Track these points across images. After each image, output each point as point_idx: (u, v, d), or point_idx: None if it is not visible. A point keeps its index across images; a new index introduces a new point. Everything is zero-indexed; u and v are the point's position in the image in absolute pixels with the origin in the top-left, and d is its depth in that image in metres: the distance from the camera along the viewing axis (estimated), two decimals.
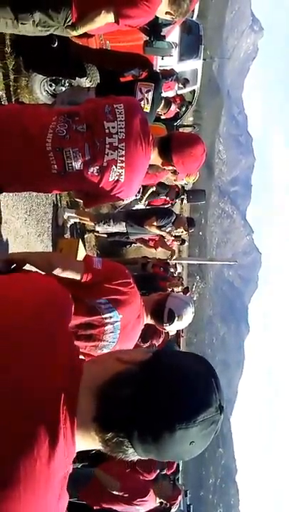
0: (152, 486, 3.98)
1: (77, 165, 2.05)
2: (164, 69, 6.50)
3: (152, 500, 3.88)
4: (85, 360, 1.03)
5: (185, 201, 6.98)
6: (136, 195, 5.84)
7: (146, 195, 6.37)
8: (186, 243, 10.03)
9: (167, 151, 2.25)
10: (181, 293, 7.28)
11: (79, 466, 4.25)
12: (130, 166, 2.11)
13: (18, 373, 0.86)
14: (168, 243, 6.95)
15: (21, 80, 4.23)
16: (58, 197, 5.58)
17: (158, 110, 4.61)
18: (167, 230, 5.99)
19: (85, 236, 6.91)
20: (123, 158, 2.09)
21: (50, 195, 5.15)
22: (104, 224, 5.91)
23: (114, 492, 3.69)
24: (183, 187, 7.34)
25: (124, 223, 5.87)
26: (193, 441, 0.87)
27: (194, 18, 8.91)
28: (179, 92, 8.23)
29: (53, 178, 2.08)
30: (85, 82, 4.21)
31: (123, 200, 2.33)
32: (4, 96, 4.04)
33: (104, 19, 2.97)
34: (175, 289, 6.55)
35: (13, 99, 4.13)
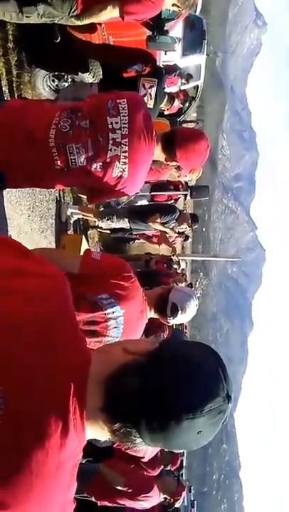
0: (156, 482, 3.99)
1: (81, 161, 2.05)
2: (167, 64, 6.46)
3: (156, 496, 3.89)
4: (91, 350, 1.03)
5: (188, 197, 6.95)
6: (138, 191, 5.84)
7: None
8: (190, 239, 10.01)
9: (171, 146, 2.24)
10: None
11: (83, 462, 4.27)
12: (133, 161, 2.10)
13: (29, 362, 0.87)
14: (171, 239, 6.94)
15: (24, 75, 4.22)
16: (61, 193, 5.58)
17: (161, 106, 4.59)
18: (171, 227, 5.99)
19: (88, 232, 6.91)
20: (126, 154, 2.08)
21: (53, 191, 5.15)
22: (107, 220, 5.90)
23: (119, 487, 3.70)
24: (186, 183, 7.31)
25: (127, 219, 5.87)
26: (200, 430, 0.88)
27: (197, 13, 8.86)
28: (182, 87, 8.19)
29: (56, 173, 2.08)
30: (88, 78, 4.20)
31: (127, 195, 2.31)
32: (7, 91, 4.03)
33: (110, 14, 2.99)
34: (179, 285, 6.53)
35: (16, 95, 4.12)
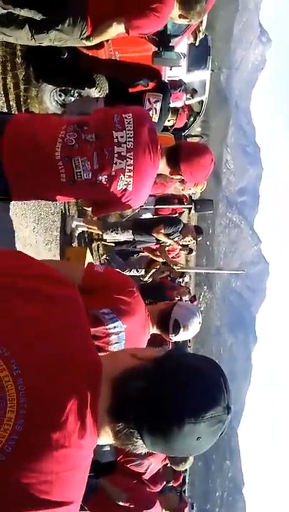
0: (159, 498, 3.94)
1: (86, 174, 2.07)
2: (172, 79, 6.54)
3: None
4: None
5: (193, 211, 6.97)
6: (142, 205, 5.87)
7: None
8: (194, 252, 10.01)
9: (175, 160, 2.26)
10: (189, 301, 7.25)
11: None
12: (138, 175, 2.12)
13: (48, 363, 0.90)
14: (175, 252, 6.94)
15: (31, 90, 4.28)
16: (67, 206, 5.61)
17: (168, 120, 4.64)
18: (175, 239, 5.99)
19: (93, 245, 6.93)
20: (131, 168, 2.10)
21: (58, 204, 5.18)
22: (112, 232, 5.92)
23: (121, 503, 3.66)
24: (190, 196, 7.34)
25: (131, 231, 5.88)
26: (200, 436, 0.90)
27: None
28: (187, 102, 8.26)
29: (62, 186, 2.09)
30: (94, 93, 4.25)
31: (132, 208, 2.33)
32: (14, 106, 4.09)
33: (116, 30, 3.04)
34: (183, 298, 6.53)
35: (23, 109, 4.18)
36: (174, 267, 6.72)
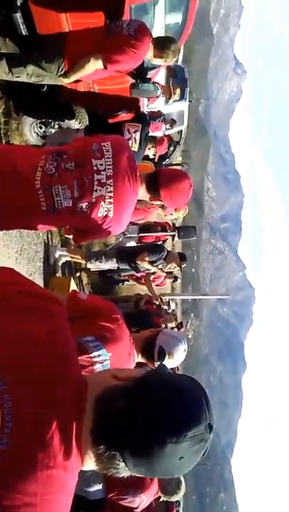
0: None
1: (66, 202, 2.08)
2: (151, 110, 6.70)
3: None
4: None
5: (176, 238, 7.02)
6: (125, 233, 5.88)
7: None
8: (179, 280, 10.01)
9: (155, 186, 2.29)
10: (175, 328, 7.20)
11: None
12: (118, 201, 2.13)
13: (39, 381, 0.88)
14: (160, 280, 6.94)
15: (12, 122, 4.32)
16: (49, 236, 5.59)
17: (148, 146, 4.72)
18: (159, 266, 6.00)
19: (77, 275, 6.89)
20: (111, 194, 2.11)
21: (41, 234, 5.17)
22: (96, 261, 5.91)
23: None
24: (174, 224, 7.40)
25: (115, 259, 5.88)
26: (182, 456, 0.89)
27: (179, 63, 9.27)
28: (167, 132, 8.45)
29: (43, 215, 2.09)
30: (74, 124, 4.31)
31: (113, 234, 2.33)
32: None
33: (94, 66, 3.11)
34: (169, 325, 6.48)
35: (4, 142, 4.20)
36: (156, 301, 6.69)
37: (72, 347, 1.04)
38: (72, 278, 5.69)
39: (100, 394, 0.94)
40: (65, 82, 3.30)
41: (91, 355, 1.87)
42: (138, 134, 4.04)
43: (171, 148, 9.01)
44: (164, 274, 6.61)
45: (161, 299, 7.69)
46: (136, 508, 3.76)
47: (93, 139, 2.24)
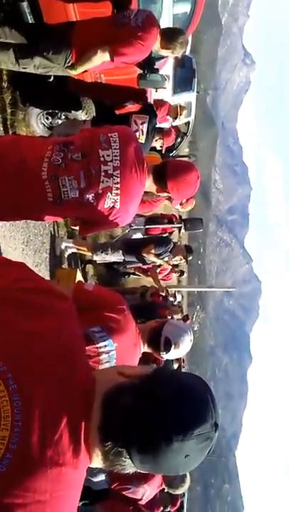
0: None
1: (73, 193, 2.07)
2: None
3: None
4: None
5: (183, 230, 7.00)
6: (131, 225, 5.87)
7: None
8: (185, 274, 9.99)
9: (162, 177, 2.27)
10: (181, 321, 7.21)
11: (79, 505, 4.11)
12: (125, 192, 2.12)
13: (45, 380, 0.88)
14: (166, 272, 6.93)
15: (18, 113, 4.31)
16: (56, 227, 5.60)
17: (155, 138, 4.69)
18: (165, 259, 5.99)
19: (83, 266, 6.90)
20: (118, 186, 2.10)
21: (47, 225, 5.17)
22: (102, 253, 5.91)
23: None
24: (180, 216, 7.38)
25: (121, 251, 5.87)
26: (188, 454, 0.90)
27: (187, 53, 9.19)
28: (174, 123, 8.40)
29: (49, 206, 2.09)
30: (81, 115, 4.29)
31: (119, 226, 2.32)
32: (1, 129, 4.11)
33: (101, 58, 3.08)
34: (175, 317, 6.49)
35: (10, 132, 4.20)
36: (162, 293, 6.69)
37: (80, 345, 1.05)
38: (78, 269, 5.69)
39: (107, 391, 0.94)
40: (72, 73, 3.28)
41: (97, 345, 1.89)
42: (145, 126, 4.01)
43: (179, 140, 8.96)
44: (170, 266, 6.60)
45: (167, 290, 7.69)
46: (139, 500, 3.79)
47: (100, 130, 2.23)
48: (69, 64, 3.22)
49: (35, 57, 3.19)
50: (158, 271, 6.63)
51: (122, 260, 6.07)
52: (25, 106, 4.32)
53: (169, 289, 7.81)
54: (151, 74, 3.86)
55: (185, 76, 8.41)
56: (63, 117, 4.49)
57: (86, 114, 4.29)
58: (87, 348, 1.88)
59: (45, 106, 4.38)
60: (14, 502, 0.79)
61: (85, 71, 3.42)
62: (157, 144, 6.52)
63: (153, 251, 5.78)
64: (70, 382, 0.92)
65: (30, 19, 3.41)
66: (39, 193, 2.05)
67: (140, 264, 6.36)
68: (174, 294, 8.10)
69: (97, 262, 6.43)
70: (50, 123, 4.55)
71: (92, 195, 2.08)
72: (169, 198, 2.39)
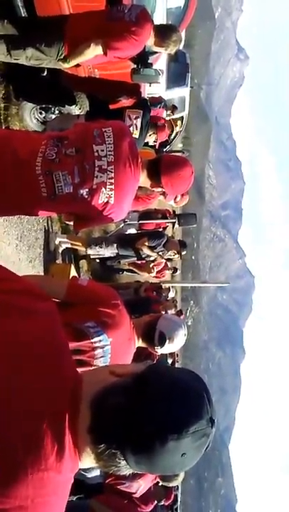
0: None
1: (67, 188, 2.06)
2: (152, 96, 6.63)
3: None
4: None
5: (176, 225, 7.00)
6: (125, 220, 5.87)
7: None
8: (178, 271, 10.01)
9: (156, 173, 2.27)
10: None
11: (74, 499, 4.12)
12: (119, 188, 2.12)
13: (25, 382, 0.86)
14: (160, 267, 6.94)
15: (11, 108, 4.28)
16: (50, 222, 5.58)
17: (149, 133, 4.68)
18: (159, 253, 6.00)
19: (77, 262, 6.89)
20: (112, 181, 2.10)
21: (41, 220, 5.16)
22: (96, 246, 5.90)
23: None
24: (174, 211, 7.39)
25: (115, 245, 5.88)
26: (184, 452, 0.87)
27: (181, 48, 9.18)
28: (168, 118, 8.38)
29: (43, 201, 2.08)
30: (75, 110, 4.27)
31: (113, 221, 2.32)
32: None
33: (94, 51, 3.07)
34: (168, 312, 6.51)
35: (4, 127, 4.17)
36: (154, 280, 6.69)
37: (63, 345, 1.01)
38: (72, 265, 5.69)
39: (98, 392, 0.91)
40: (65, 66, 3.26)
41: (92, 340, 1.89)
42: (139, 120, 4.00)
43: (172, 135, 8.96)
44: (164, 260, 6.61)
45: (160, 286, 7.71)
46: (134, 493, 3.82)
47: (94, 125, 2.22)
48: (61, 57, 3.20)
49: (28, 48, 3.17)
50: (151, 265, 6.64)
51: (115, 254, 6.07)
52: (19, 100, 4.30)
53: (163, 285, 7.83)
54: (145, 68, 3.85)
55: (179, 71, 8.40)
56: (57, 112, 4.47)
57: (80, 108, 4.27)
58: (81, 343, 1.89)
59: (38, 100, 4.35)
60: None
61: (78, 65, 3.41)
62: (151, 138, 6.52)
63: (147, 243, 5.80)
64: (52, 384, 0.89)
65: (23, 12, 3.39)
66: (33, 188, 2.05)
67: (135, 259, 6.37)
68: (168, 289, 8.11)
69: (91, 256, 6.42)
70: (44, 118, 4.52)
71: (87, 190, 2.08)
72: (163, 193, 2.40)
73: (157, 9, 4.96)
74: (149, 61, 3.89)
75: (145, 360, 4.34)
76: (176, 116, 8.93)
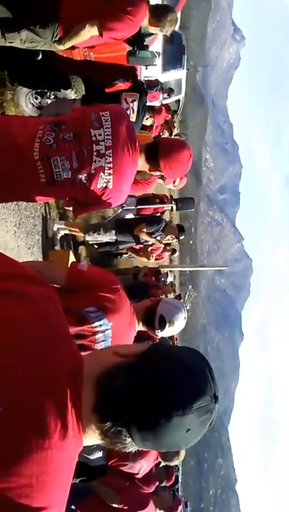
0: (152, 498, 3.93)
1: (65, 173, 2.05)
2: (148, 79, 6.56)
3: None
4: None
5: (174, 210, 6.99)
6: (123, 205, 5.85)
7: None
8: (177, 253, 10.01)
9: (154, 156, 2.26)
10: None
11: (77, 481, 4.19)
12: (118, 172, 2.11)
13: (27, 363, 0.87)
14: (158, 251, 6.94)
15: (6, 93, 4.23)
16: (47, 209, 5.57)
17: (146, 117, 4.64)
18: (157, 238, 6.00)
19: (76, 248, 6.89)
20: (111, 165, 2.09)
21: (39, 207, 5.14)
22: (94, 233, 5.90)
23: (114, 505, 3.63)
24: (171, 196, 7.36)
25: (114, 231, 5.87)
26: (189, 428, 0.89)
27: (176, 29, 9.04)
28: (164, 101, 8.31)
29: (42, 187, 2.08)
30: (71, 94, 4.22)
31: (112, 206, 2.32)
32: None
33: (89, 32, 3.02)
34: (168, 296, 6.53)
35: None
36: (153, 265, 6.66)
37: (63, 328, 1.02)
38: (70, 251, 5.69)
39: (102, 372, 0.93)
40: (60, 48, 3.21)
41: (93, 325, 1.91)
42: (136, 104, 3.96)
43: (169, 119, 8.88)
44: (163, 245, 6.61)
45: (159, 270, 7.72)
46: (136, 474, 3.88)
47: (92, 109, 2.20)
48: (56, 38, 3.15)
49: (22, 30, 3.11)
50: (149, 250, 6.64)
51: (114, 240, 6.07)
52: (14, 85, 4.24)
53: (162, 269, 7.85)
54: (141, 51, 3.80)
55: (175, 53, 8.28)
56: (52, 97, 4.41)
57: (76, 93, 4.22)
58: (82, 327, 1.90)
59: (33, 85, 4.29)
60: None
61: (73, 47, 3.36)
62: (148, 122, 6.47)
63: (145, 229, 5.79)
64: (52, 365, 0.90)
65: None
66: (31, 174, 2.03)
67: (133, 244, 6.37)
68: (167, 273, 8.14)
69: (90, 242, 6.42)
70: (40, 102, 4.47)
71: (85, 175, 2.07)
72: (162, 177, 2.38)
73: None
74: (145, 43, 3.84)
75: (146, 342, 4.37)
76: (173, 99, 8.86)
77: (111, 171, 2.09)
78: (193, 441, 0.95)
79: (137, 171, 2.30)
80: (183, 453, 4.04)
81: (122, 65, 4.06)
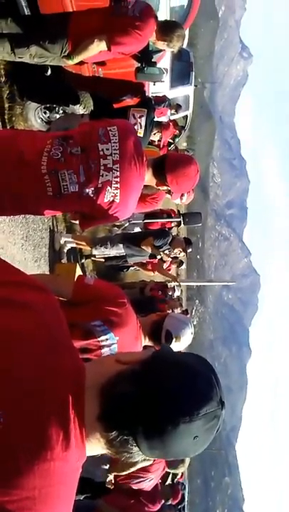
0: None
1: (73, 187, 2.06)
2: (156, 95, 6.62)
3: None
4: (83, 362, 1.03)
5: (182, 224, 6.99)
6: (130, 219, 5.86)
7: None
8: (184, 266, 9.98)
9: (161, 171, 2.27)
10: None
11: (81, 498, 4.13)
12: (125, 186, 2.12)
13: (27, 374, 0.86)
14: (166, 265, 6.93)
15: (16, 108, 4.29)
16: (55, 222, 5.59)
17: (153, 132, 4.67)
18: (165, 251, 5.99)
19: (83, 261, 6.90)
20: (118, 179, 2.10)
21: (46, 220, 5.17)
22: (101, 247, 5.90)
23: None
24: (179, 210, 7.37)
25: (121, 245, 5.87)
26: (197, 435, 0.87)
27: (184, 46, 9.15)
28: (172, 117, 8.38)
29: (49, 200, 2.08)
30: (79, 109, 4.27)
31: (119, 220, 2.32)
32: None
33: (98, 47, 3.06)
34: (174, 311, 6.50)
35: (8, 127, 4.18)
36: (175, 283, 6.66)
37: (63, 336, 1.01)
38: (77, 264, 5.69)
39: (106, 380, 0.92)
40: (69, 63, 3.25)
41: (99, 339, 1.89)
42: (143, 119, 4.00)
43: (176, 134, 8.95)
44: (170, 259, 6.60)
45: (166, 285, 7.69)
46: (141, 491, 3.81)
47: (99, 124, 2.22)
48: (65, 53, 3.19)
49: (31, 46, 3.16)
50: (166, 267, 6.64)
51: (122, 254, 6.06)
52: (23, 100, 4.30)
53: (168, 284, 7.82)
54: (149, 67, 3.84)
55: (183, 69, 8.38)
56: (61, 111, 4.47)
57: (84, 108, 4.27)
58: (88, 341, 1.89)
59: (42, 100, 4.36)
60: (1, 499, 0.76)
61: (82, 63, 3.41)
62: (156, 137, 6.51)
63: (152, 243, 5.78)
64: (52, 375, 0.88)
65: (26, 10, 3.39)
66: (39, 187, 2.05)
67: (142, 259, 6.35)
68: (174, 288, 8.10)
69: (97, 256, 6.42)
70: (48, 117, 4.53)
71: (92, 189, 2.08)
72: (169, 192, 2.39)
73: (160, 8, 4.95)
74: (153, 60, 3.89)
75: None
76: (180, 115, 8.93)
77: (118, 185, 2.10)
78: (201, 449, 0.93)
79: (144, 186, 2.31)
80: (187, 461, 3.99)
81: (130, 81, 4.11)
